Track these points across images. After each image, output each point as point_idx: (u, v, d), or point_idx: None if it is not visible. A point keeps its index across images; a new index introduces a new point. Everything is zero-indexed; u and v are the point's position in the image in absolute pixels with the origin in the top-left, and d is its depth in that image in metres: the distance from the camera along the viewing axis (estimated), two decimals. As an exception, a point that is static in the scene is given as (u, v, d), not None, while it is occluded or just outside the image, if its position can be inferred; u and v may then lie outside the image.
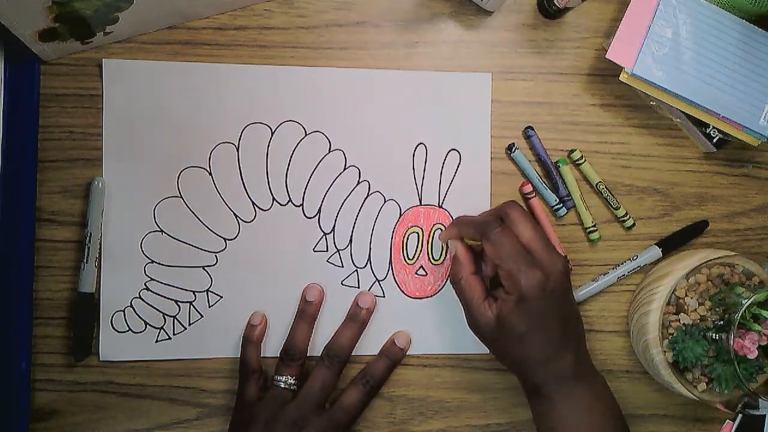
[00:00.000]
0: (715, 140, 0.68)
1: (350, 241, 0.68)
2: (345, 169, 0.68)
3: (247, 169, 0.67)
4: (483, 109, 0.69)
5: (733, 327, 0.62)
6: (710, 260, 0.65)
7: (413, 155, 0.69)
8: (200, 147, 0.67)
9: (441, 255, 0.69)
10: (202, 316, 0.67)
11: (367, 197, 0.69)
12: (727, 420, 0.71)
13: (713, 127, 0.67)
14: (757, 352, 0.62)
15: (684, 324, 0.65)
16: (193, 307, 0.67)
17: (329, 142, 0.68)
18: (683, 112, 0.67)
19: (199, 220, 0.67)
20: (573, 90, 0.70)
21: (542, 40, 0.70)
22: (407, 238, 0.69)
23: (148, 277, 0.67)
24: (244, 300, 0.67)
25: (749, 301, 0.62)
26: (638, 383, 0.71)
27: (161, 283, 0.67)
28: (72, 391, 0.67)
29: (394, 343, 0.68)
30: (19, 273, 0.65)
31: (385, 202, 0.69)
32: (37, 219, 0.66)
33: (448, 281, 0.69)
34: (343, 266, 0.68)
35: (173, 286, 0.67)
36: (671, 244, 0.70)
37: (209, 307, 0.67)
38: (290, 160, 0.68)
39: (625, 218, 0.70)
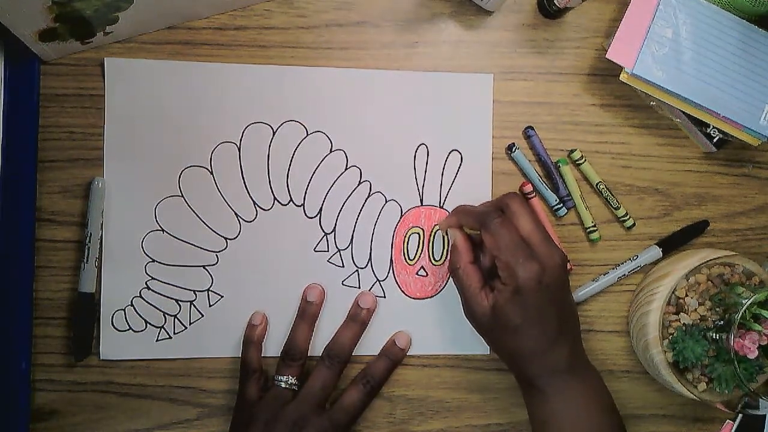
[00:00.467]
0: (715, 140, 0.68)
1: (351, 241, 0.68)
2: (346, 169, 0.68)
3: (248, 169, 0.67)
4: (484, 110, 0.69)
5: (733, 327, 0.62)
6: (710, 260, 0.66)
7: (414, 156, 0.69)
8: (201, 146, 0.67)
9: (442, 256, 0.69)
10: (202, 316, 0.67)
11: (368, 197, 0.69)
12: (727, 420, 0.71)
13: (713, 127, 0.67)
14: (757, 352, 0.62)
15: (684, 324, 0.65)
16: (194, 306, 0.67)
17: (330, 142, 0.68)
18: (683, 112, 0.67)
19: (200, 219, 0.67)
20: (573, 90, 0.70)
21: (542, 40, 0.70)
22: (408, 239, 0.69)
23: (149, 276, 0.67)
24: (244, 300, 0.67)
25: (749, 301, 0.62)
26: (638, 383, 0.71)
27: (162, 282, 0.67)
28: (72, 391, 0.67)
29: (394, 343, 0.68)
30: (19, 273, 0.65)
31: (386, 202, 0.69)
32: (37, 219, 0.66)
33: (449, 281, 0.69)
34: (343, 266, 0.68)
35: (174, 286, 0.67)
36: (671, 244, 0.71)
37: (210, 306, 0.67)
38: (291, 160, 0.68)
39: (625, 218, 0.70)
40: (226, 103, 0.67)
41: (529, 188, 0.69)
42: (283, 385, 0.65)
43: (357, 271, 0.69)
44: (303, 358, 0.66)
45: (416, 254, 0.69)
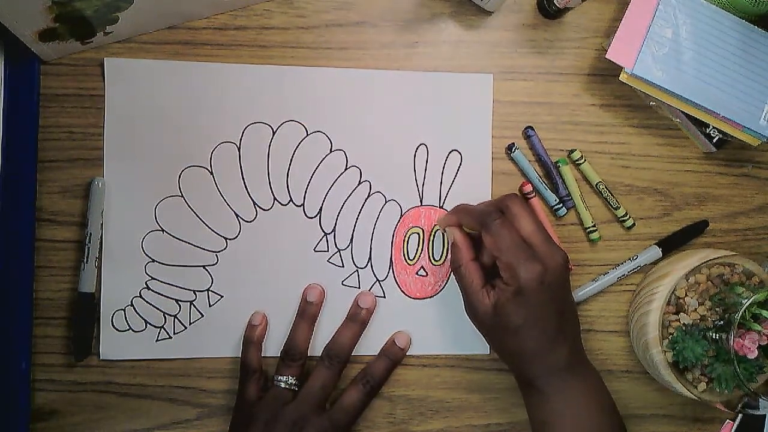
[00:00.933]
0: (715, 140, 0.68)
1: (351, 241, 0.68)
2: (346, 169, 0.68)
3: (248, 169, 0.67)
4: (484, 110, 0.69)
5: (733, 327, 0.62)
6: (710, 260, 0.66)
7: (414, 156, 0.69)
8: (201, 146, 0.67)
9: (442, 256, 0.69)
10: (202, 316, 0.67)
11: (368, 197, 0.69)
12: (727, 420, 0.71)
13: (713, 127, 0.67)
14: (757, 351, 0.62)
15: (684, 324, 0.65)
16: (194, 306, 0.67)
17: (330, 142, 0.68)
18: (683, 112, 0.67)
19: (200, 219, 0.67)
20: (573, 90, 0.70)
21: (542, 40, 0.70)
22: (408, 239, 0.69)
23: (149, 276, 0.67)
24: (244, 299, 0.67)
25: (749, 301, 0.62)
26: (638, 383, 0.71)
27: (162, 282, 0.67)
28: (72, 391, 0.67)
29: (394, 343, 0.68)
30: (19, 273, 0.65)
31: (386, 202, 0.69)
32: (37, 219, 0.66)
33: (449, 281, 0.69)
34: (343, 266, 0.68)
35: (174, 286, 0.67)
36: (671, 244, 0.71)
37: (210, 306, 0.67)
38: (291, 160, 0.68)
39: (625, 218, 0.70)
40: (226, 103, 0.67)
41: (529, 188, 0.69)
42: (282, 385, 0.65)
43: (357, 271, 0.69)
44: (303, 358, 0.66)
45: (416, 254, 0.69)
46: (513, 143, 0.69)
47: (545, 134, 0.70)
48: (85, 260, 0.65)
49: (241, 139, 0.67)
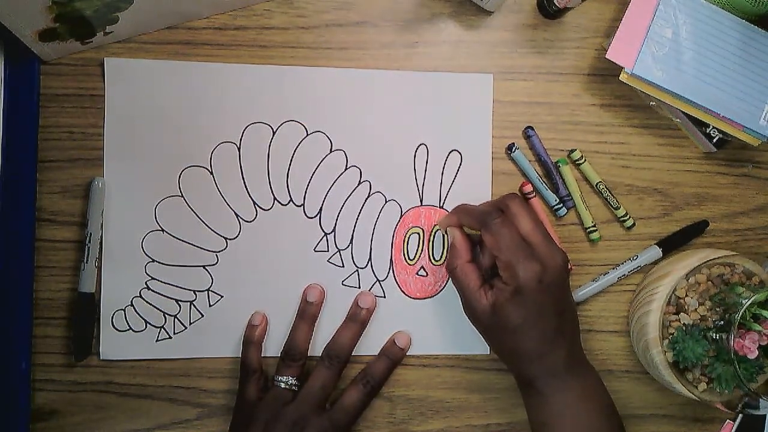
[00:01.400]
0: (715, 140, 0.68)
1: (351, 241, 0.68)
2: (346, 169, 0.68)
3: (248, 169, 0.67)
4: (484, 110, 0.69)
5: (733, 327, 0.62)
6: (710, 260, 0.66)
7: (414, 156, 0.69)
8: (201, 146, 0.67)
9: (441, 255, 0.69)
10: (202, 316, 0.67)
11: (368, 197, 0.69)
12: (727, 420, 0.71)
13: (713, 127, 0.67)
14: (757, 352, 0.62)
15: (684, 324, 0.65)
16: (194, 306, 0.67)
17: (330, 142, 0.68)
18: (683, 112, 0.67)
19: (200, 219, 0.67)
20: (573, 90, 0.70)
21: (542, 40, 0.70)
22: (408, 239, 0.69)
23: (149, 276, 0.67)
24: (244, 300, 0.67)
25: (749, 301, 0.62)
26: (638, 383, 0.71)
27: (162, 282, 0.67)
28: (72, 391, 0.67)
29: (394, 343, 0.68)
30: (19, 273, 0.65)
31: (386, 202, 0.69)
32: (37, 219, 0.66)
33: (449, 281, 0.69)
34: (343, 266, 0.68)
35: (174, 286, 0.67)
36: (671, 244, 0.71)
37: (210, 306, 0.67)
38: (291, 160, 0.68)
39: (625, 218, 0.70)
40: (226, 103, 0.67)
41: (529, 188, 0.69)
42: (283, 385, 0.65)
43: (357, 271, 0.69)
44: (303, 359, 0.66)
45: (416, 254, 0.69)
46: (513, 143, 0.69)
47: (545, 134, 0.70)
48: (85, 260, 0.65)
49: (241, 139, 0.67)
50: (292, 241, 0.68)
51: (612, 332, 0.71)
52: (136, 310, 0.67)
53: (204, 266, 0.67)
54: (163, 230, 0.67)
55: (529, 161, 0.70)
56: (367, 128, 0.68)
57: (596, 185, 0.70)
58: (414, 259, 0.69)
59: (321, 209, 0.68)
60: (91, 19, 0.62)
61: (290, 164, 0.68)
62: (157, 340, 0.67)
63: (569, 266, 0.66)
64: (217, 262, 0.67)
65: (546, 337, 0.62)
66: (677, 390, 0.66)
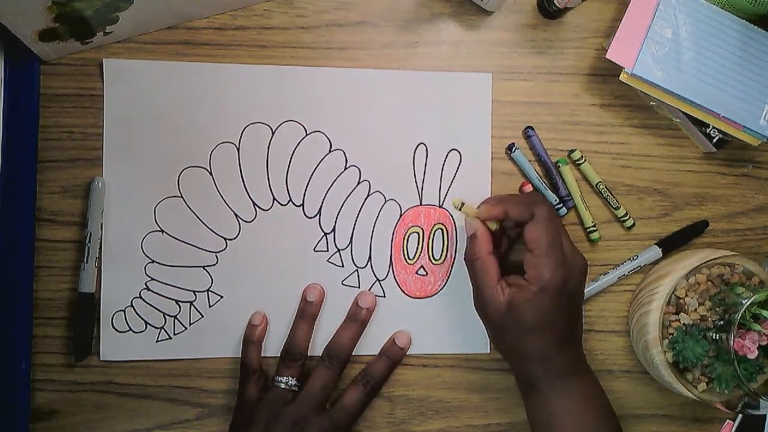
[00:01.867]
0: (715, 140, 0.68)
1: (351, 241, 0.68)
2: (345, 169, 0.68)
3: (247, 169, 0.67)
4: (483, 110, 0.69)
5: (733, 327, 0.62)
6: (710, 260, 0.65)
7: (414, 155, 0.69)
8: (201, 147, 0.67)
9: (441, 255, 0.69)
10: (202, 316, 0.67)
11: (367, 197, 0.69)
12: (727, 420, 0.71)
13: (713, 127, 0.67)
14: (757, 352, 0.62)
15: (684, 324, 0.65)
16: (194, 306, 0.67)
17: (330, 142, 0.68)
18: (683, 112, 0.67)
19: (200, 219, 0.67)
20: (573, 90, 0.70)
21: (542, 40, 0.70)
22: (408, 238, 0.69)
23: (149, 276, 0.67)
24: (244, 300, 0.67)
25: (749, 301, 0.62)
26: (638, 383, 0.71)
27: (162, 282, 0.67)
28: (72, 391, 0.67)
29: (394, 342, 0.68)
30: (19, 273, 0.65)
31: (385, 201, 0.69)
32: (37, 219, 0.66)
33: (449, 281, 0.69)
34: (343, 266, 0.68)
35: (174, 286, 0.67)
36: (671, 244, 0.70)
37: (210, 306, 0.67)
38: (291, 160, 0.68)
39: (625, 218, 0.70)
40: (225, 103, 0.67)
41: (529, 188, 0.69)
42: (282, 385, 0.65)
43: (357, 270, 0.69)
44: (303, 359, 0.66)
45: (416, 253, 0.69)
46: (513, 143, 0.69)
47: (545, 134, 0.70)
48: (85, 260, 0.65)
49: (240, 139, 0.67)
50: (292, 241, 0.68)
51: (612, 332, 0.71)
52: (136, 311, 0.67)
53: (204, 267, 0.67)
54: (162, 231, 0.67)
55: (529, 161, 0.70)
56: (366, 128, 0.68)
57: (596, 185, 0.70)
58: (414, 258, 0.69)
59: (320, 209, 0.68)
60: (91, 19, 0.62)
61: (289, 164, 0.68)
62: (157, 341, 0.67)
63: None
64: (216, 263, 0.67)
65: (558, 342, 0.62)
66: (677, 390, 0.66)
